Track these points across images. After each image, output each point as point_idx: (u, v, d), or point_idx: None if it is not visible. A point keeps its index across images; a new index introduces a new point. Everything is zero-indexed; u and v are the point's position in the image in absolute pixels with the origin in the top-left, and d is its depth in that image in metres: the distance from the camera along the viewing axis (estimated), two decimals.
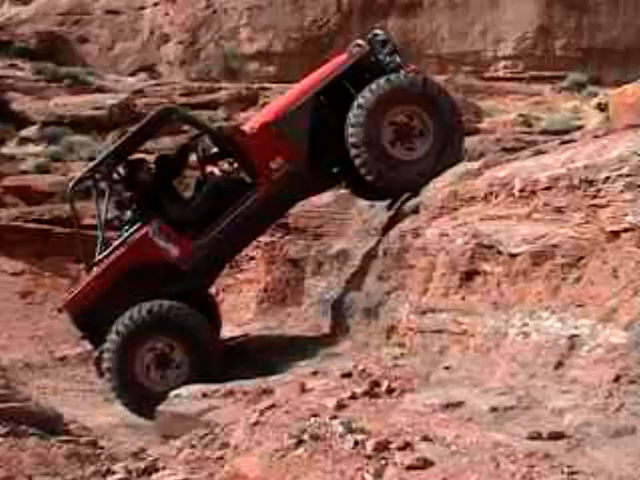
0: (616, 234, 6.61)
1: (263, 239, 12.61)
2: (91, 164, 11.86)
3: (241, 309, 14.94)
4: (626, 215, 6.55)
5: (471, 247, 8.06)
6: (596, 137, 8.63)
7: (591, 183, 7.05)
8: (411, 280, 9.11)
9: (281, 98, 12.13)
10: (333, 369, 8.77)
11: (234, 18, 28.47)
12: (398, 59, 11.24)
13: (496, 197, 8.29)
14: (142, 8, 30.14)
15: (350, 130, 10.50)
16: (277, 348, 11.04)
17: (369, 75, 10.88)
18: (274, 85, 25.82)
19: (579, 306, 6.61)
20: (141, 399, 10.42)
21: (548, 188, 7.50)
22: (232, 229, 10.79)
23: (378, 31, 11.48)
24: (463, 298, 8.08)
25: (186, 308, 10.53)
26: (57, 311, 11.81)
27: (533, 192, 7.70)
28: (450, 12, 27.34)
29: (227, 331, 12.98)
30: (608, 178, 6.88)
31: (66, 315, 11.60)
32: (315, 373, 8.88)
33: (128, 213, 11.10)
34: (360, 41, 11.50)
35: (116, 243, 10.97)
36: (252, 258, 15.06)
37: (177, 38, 29.19)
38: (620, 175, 6.78)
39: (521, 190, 7.89)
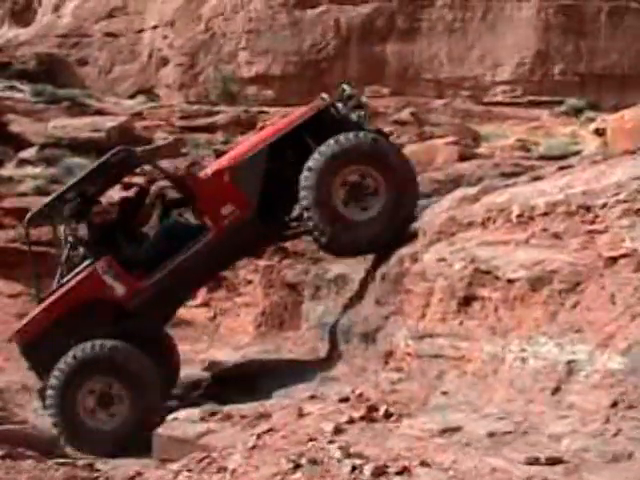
0: (614, 260, 6.63)
1: (261, 263, 12.60)
2: (46, 199, 11.90)
3: (239, 333, 14.95)
4: (624, 241, 6.57)
5: (469, 272, 8.06)
6: (594, 163, 8.67)
7: (589, 209, 7.08)
8: (409, 305, 9.10)
9: (239, 146, 12.27)
10: (331, 393, 8.76)
11: (233, 42, 28.58)
12: (360, 115, 11.22)
13: (494, 222, 8.31)
14: (141, 31, 30.26)
15: (302, 193, 10.49)
16: (275, 372, 11.01)
17: (330, 129, 10.81)
18: (272, 109, 25.87)
19: (577, 332, 6.61)
20: (80, 435, 10.42)
21: (546, 214, 7.53)
22: (180, 272, 10.77)
23: (345, 86, 11.49)
24: (461, 323, 8.08)
25: (128, 348, 10.53)
26: (8, 341, 11.79)
27: (531, 218, 7.73)
28: (448, 37, 27.45)
29: (225, 355, 12.99)
30: (606, 204, 6.91)
31: None
32: (313, 397, 8.87)
33: (81, 250, 11.12)
34: (324, 94, 11.58)
35: (65, 278, 11.03)
36: (250, 282, 15.08)
37: (176, 61, 29.29)
38: (618, 201, 6.81)
39: (519, 216, 7.92)
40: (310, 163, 10.47)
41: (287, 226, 11.51)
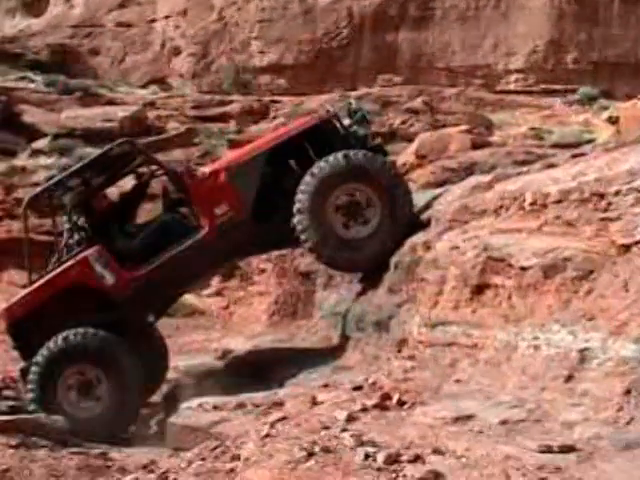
0: (627, 247, 6.62)
1: (274, 252, 12.62)
2: (48, 182, 11.94)
3: (252, 322, 14.98)
4: (637, 228, 6.56)
5: (482, 260, 8.05)
6: (607, 150, 8.65)
7: (602, 196, 7.07)
8: (422, 293, 9.10)
9: (240, 149, 12.20)
10: (344, 382, 8.78)
11: (245, 31, 28.53)
12: (363, 130, 11.19)
13: (507, 210, 8.30)
14: (153, 21, 30.23)
15: (296, 217, 10.55)
16: (288, 361, 11.03)
17: (332, 142, 10.86)
18: (285, 98, 25.87)
19: (590, 319, 6.61)
20: None
21: (559, 201, 7.51)
22: (170, 268, 10.80)
23: (352, 100, 11.51)
24: (474, 311, 8.07)
25: (112, 338, 10.57)
26: None
27: (544, 205, 7.71)
28: (461, 25, 27.37)
29: (238, 344, 13.01)
30: (619, 191, 6.90)
31: None
32: (326, 386, 8.89)
33: (76, 236, 11.18)
34: (328, 106, 11.70)
35: (56, 262, 11.11)
36: (263, 271, 15.10)
37: (188, 51, 29.25)
38: (631, 188, 6.80)
39: (532, 203, 7.91)
40: (302, 186, 10.50)
41: (287, 232, 11.46)
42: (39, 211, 12.77)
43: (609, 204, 6.97)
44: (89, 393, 10.57)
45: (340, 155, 10.53)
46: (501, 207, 8.43)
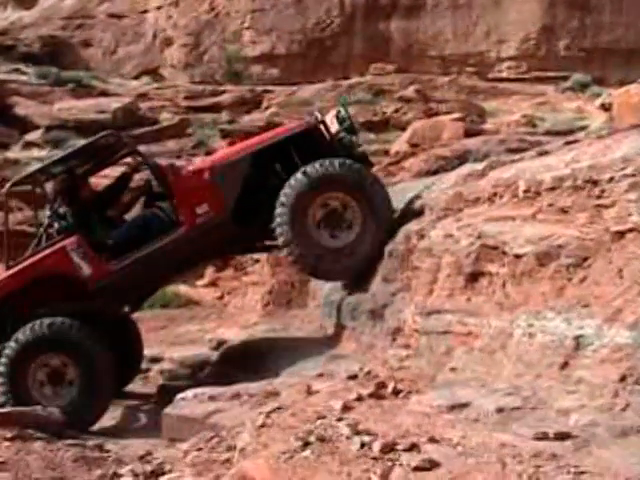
0: (621, 234, 6.62)
1: (268, 242, 12.60)
2: (30, 169, 12.14)
3: (246, 311, 14.98)
4: (631, 215, 6.56)
5: (476, 248, 8.05)
6: (600, 137, 8.64)
7: (595, 183, 7.06)
8: (416, 281, 9.09)
9: (225, 149, 12.38)
10: (339, 371, 8.77)
11: (237, 21, 28.53)
12: (350, 138, 11.24)
13: (501, 198, 8.30)
14: (145, 12, 30.21)
15: (278, 230, 10.59)
16: (282, 350, 11.04)
17: (317, 148, 10.88)
18: (278, 87, 25.88)
19: (584, 306, 6.60)
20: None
21: (552, 189, 7.51)
22: (146, 263, 10.83)
23: (341, 108, 11.46)
24: (468, 299, 8.07)
25: (82, 327, 10.57)
26: None
27: (537, 193, 7.71)
28: (453, 13, 27.39)
29: (233, 334, 13.01)
30: (612, 178, 6.89)
31: None
32: (321, 375, 8.88)
33: (56, 224, 11.19)
34: (317, 113, 11.62)
35: (34, 249, 11.21)
36: (257, 261, 15.11)
37: (180, 41, 29.24)
38: (624, 175, 6.79)
39: (525, 191, 7.90)
40: (282, 199, 10.54)
41: (268, 234, 11.34)
42: (23, 199, 12.73)
43: (603, 191, 6.96)
44: (59, 382, 10.56)
45: (336, 161, 10.60)
46: (495, 195, 8.42)
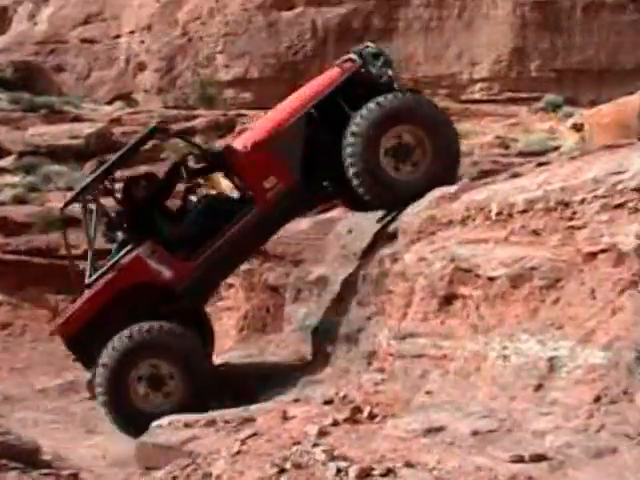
0: (593, 255, 6.64)
1: (242, 267, 12.58)
2: (80, 186, 11.71)
3: (221, 337, 14.89)
4: (602, 236, 6.58)
5: (449, 271, 8.07)
6: (572, 159, 8.69)
7: (567, 205, 7.09)
8: (390, 305, 9.10)
9: (272, 116, 11.91)
10: (315, 396, 8.76)
11: (210, 45, 28.51)
12: (390, 72, 11.21)
13: (473, 220, 8.31)
14: (118, 37, 30.17)
15: (349, 160, 10.46)
16: (258, 376, 11.00)
17: (361, 90, 10.86)
18: (251, 111, 25.85)
19: (558, 328, 6.63)
20: (133, 420, 10.32)
21: (525, 211, 7.53)
22: (226, 248, 10.75)
23: (370, 43, 11.47)
24: (442, 322, 8.08)
25: (177, 328, 10.50)
26: (50, 334, 11.73)
27: (510, 215, 7.72)
28: (425, 36, 27.46)
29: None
30: (584, 200, 6.92)
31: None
32: (297, 400, 8.87)
33: (119, 234, 11.05)
34: (352, 55, 11.44)
35: (108, 265, 10.89)
36: (231, 286, 15.04)
37: (153, 66, 29.20)
38: (596, 196, 6.82)
39: (498, 213, 7.92)
40: (354, 128, 10.45)
41: (327, 192, 11.52)
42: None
43: (574, 213, 6.99)
44: (160, 387, 10.48)
45: (390, 96, 10.56)
46: (468, 217, 8.43)
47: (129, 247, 10.78)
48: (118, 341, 10.37)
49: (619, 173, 6.77)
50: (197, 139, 24.43)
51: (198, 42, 28.79)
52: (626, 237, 6.32)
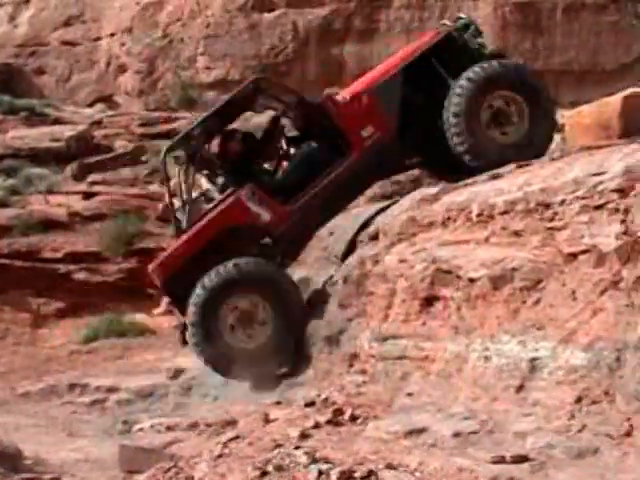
0: (574, 256, 6.66)
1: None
2: (184, 131, 12.06)
3: None
4: (583, 237, 6.60)
5: (430, 273, 8.08)
6: (552, 160, 8.72)
7: (548, 206, 7.11)
8: (372, 307, 9.11)
9: (372, 71, 12.33)
10: (296, 398, 8.76)
11: (191, 47, 28.46)
12: (481, 41, 11.49)
13: (454, 222, 8.33)
14: (98, 39, 30.08)
15: (451, 120, 10.67)
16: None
17: (454, 57, 11.14)
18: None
19: (539, 329, 6.64)
20: (223, 356, 10.59)
21: (505, 212, 7.55)
22: (323, 196, 11.00)
23: (462, 14, 11.72)
24: (424, 324, 8.09)
25: (270, 264, 10.77)
26: (146, 274, 11.70)
27: (491, 216, 7.74)
28: (407, 37, 27.42)
29: (190, 362, 12.92)
30: (564, 201, 6.93)
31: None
32: (278, 403, 8.87)
33: (219, 180, 11.33)
34: (447, 21, 11.93)
35: (208, 207, 11.19)
36: None
37: (134, 68, 29.13)
38: (576, 197, 6.84)
39: (479, 215, 7.94)
40: (458, 90, 10.66)
41: (416, 153, 11.71)
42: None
43: (555, 214, 7.00)
44: (252, 323, 10.65)
45: (495, 62, 10.88)
46: (448, 219, 8.46)
47: (229, 190, 11.03)
48: (214, 273, 10.54)
49: (599, 174, 6.79)
50: None
51: (179, 44, 28.73)
52: (606, 238, 6.33)
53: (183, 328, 10.98)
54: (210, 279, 10.52)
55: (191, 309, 10.60)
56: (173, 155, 12.22)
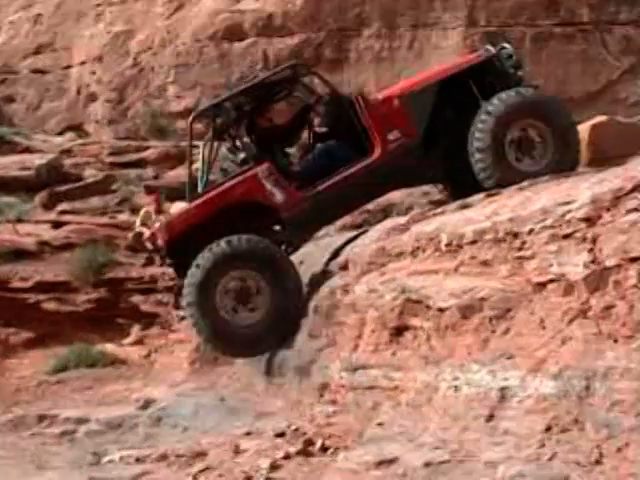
0: (542, 285, 6.68)
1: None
2: (213, 101, 12.10)
3: (174, 369, 14.82)
4: (551, 266, 6.62)
5: (400, 302, 8.09)
6: (520, 189, 8.78)
7: (516, 235, 7.14)
8: (342, 337, 9.11)
9: (408, 79, 12.54)
10: (267, 429, 8.72)
11: (161, 76, 28.46)
12: (520, 74, 11.49)
13: (424, 252, 8.35)
14: (69, 67, 30.05)
15: (477, 135, 10.65)
16: (210, 409, 10.94)
17: (491, 81, 11.19)
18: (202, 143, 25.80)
19: (508, 358, 6.65)
20: (220, 332, 10.69)
21: (474, 242, 7.58)
22: (338, 190, 10.99)
23: (506, 44, 11.76)
24: (394, 353, 8.09)
25: (269, 242, 10.75)
26: (150, 234, 11.65)
27: (459, 246, 7.77)
28: (376, 66, 27.61)
29: (160, 393, 12.86)
30: (532, 230, 6.97)
31: None
32: (249, 433, 8.83)
33: (241, 155, 11.35)
34: (489, 46, 11.83)
35: (225, 178, 11.30)
36: (183, 318, 14.96)
37: (104, 97, 29.09)
38: (544, 227, 6.87)
39: (448, 244, 7.96)
40: (490, 108, 10.63)
41: (439, 168, 11.62)
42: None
43: (523, 243, 7.03)
44: (248, 300, 10.64)
45: (530, 90, 10.93)
46: (418, 249, 8.48)
47: (248, 165, 11.07)
48: (216, 246, 10.54)
49: (567, 203, 6.83)
50: (148, 171, 24.41)
51: (149, 72, 28.73)
52: (575, 267, 6.36)
53: (178, 291, 11.00)
54: (203, 257, 10.55)
55: (186, 289, 10.64)
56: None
